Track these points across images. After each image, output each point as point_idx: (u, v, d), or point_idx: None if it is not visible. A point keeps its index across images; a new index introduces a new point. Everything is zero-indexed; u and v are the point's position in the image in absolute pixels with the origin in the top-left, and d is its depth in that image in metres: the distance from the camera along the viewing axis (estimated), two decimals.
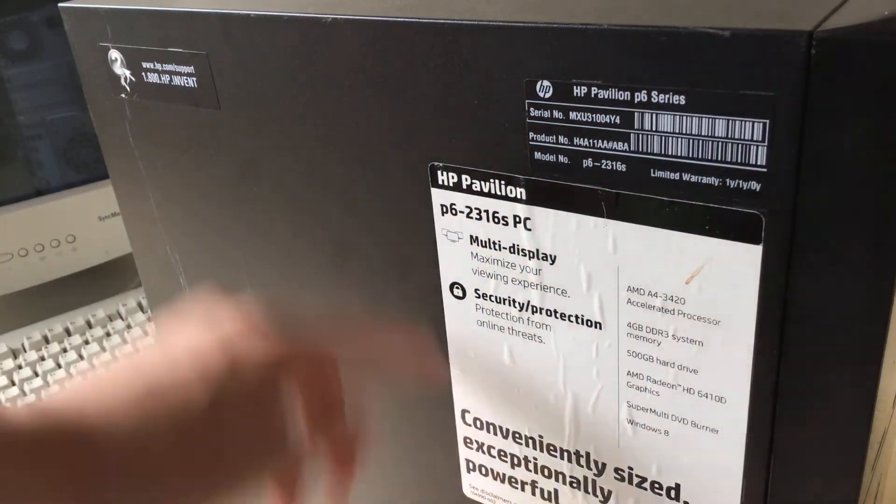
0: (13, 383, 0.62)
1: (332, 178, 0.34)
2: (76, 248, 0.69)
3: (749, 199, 0.24)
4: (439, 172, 0.30)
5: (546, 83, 0.26)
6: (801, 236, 0.24)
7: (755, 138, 0.23)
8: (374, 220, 0.33)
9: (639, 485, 0.31)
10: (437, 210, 0.31)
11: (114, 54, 0.38)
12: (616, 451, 0.31)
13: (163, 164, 0.40)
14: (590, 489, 0.33)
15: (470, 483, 0.37)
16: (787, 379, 0.26)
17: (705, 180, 0.24)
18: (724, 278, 0.25)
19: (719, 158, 0.24)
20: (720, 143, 0.24)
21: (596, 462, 0.32)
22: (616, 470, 0.32)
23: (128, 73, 0.38)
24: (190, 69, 0.35)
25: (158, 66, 0.36)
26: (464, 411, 0.35)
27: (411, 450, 0.38)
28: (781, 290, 0.25)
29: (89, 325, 0.67)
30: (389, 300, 0.35)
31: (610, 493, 0.32)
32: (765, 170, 0.23)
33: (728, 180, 0.24)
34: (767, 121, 0.23)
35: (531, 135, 0.27)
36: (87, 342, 0.65)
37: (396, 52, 0.29)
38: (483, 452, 0.36)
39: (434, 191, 0.31)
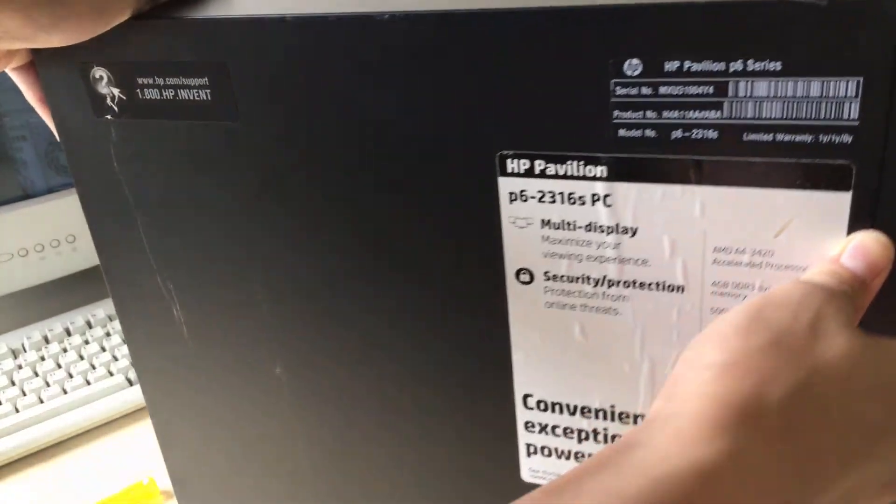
0: (13, 383, 0.63)
1: (374, 181, 0.33)
2: (76, 248, 0.71)
3: (840, 151, 0.26)
4: (509, 161, 0.30)
5: (635, 61, 0.27)
6: (887, 183, 0.26)
7: (848, 95, 0.25)
8: (426, 221, 0.33)
9: None
10: (504, 199, 0.31)
11: (98, 72, 0.34)
12: None
13: (157, 187, 0.37)
14: None
15: (529, 467, 0.37)
16: (872, 321, 0.29)
17: (799, 138, 0.27)
18: (813, 228, 0.28)
19: (813, 116, 0.26)
20: (815, 103, 0.26)
21: None
22: None
23: (116, 91, 0.35)
24: (203, 81, 0.33)
25: (159, 81, 0.34)
26: (526, 396, 0.36)
27: (466, 440, 0.38)
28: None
29: (89, 326, 0.68)
30: (441, 299, 0.34)
31: None
32: (857, 123, 0.26)
33: (821, 136, 0.26)
34: (861, 78, 0.25)
35: (616, 113, 0.28)
36: (87, 342, 0.66)
37: (462, 44, 0.29)
38: (546, 433, 0.36)
39: (502, 179, 0.31)
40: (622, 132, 0.28)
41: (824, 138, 0.26)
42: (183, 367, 0.42)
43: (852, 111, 0.26)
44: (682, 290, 0.31)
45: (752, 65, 0.26)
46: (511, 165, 0.31)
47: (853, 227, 0.27)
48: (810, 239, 0.28)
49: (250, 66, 0.32)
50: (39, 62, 0.35)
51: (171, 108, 0.34)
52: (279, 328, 0.39)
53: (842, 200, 0.27)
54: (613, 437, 0.35)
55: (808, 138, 0.26)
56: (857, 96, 0.25)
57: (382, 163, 0.32)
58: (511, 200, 0.31)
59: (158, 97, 0.34)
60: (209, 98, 0.33)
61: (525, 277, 0.33)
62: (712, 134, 0.27)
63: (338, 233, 0.35)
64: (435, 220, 0.33)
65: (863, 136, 0.26)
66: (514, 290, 0.33)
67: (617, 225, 0.30)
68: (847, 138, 0.26)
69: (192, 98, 0.34)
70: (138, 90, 0.34)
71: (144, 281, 0.40)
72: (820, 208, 0.27)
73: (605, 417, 0.35)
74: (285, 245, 0.36)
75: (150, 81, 0.34)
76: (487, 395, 0.36)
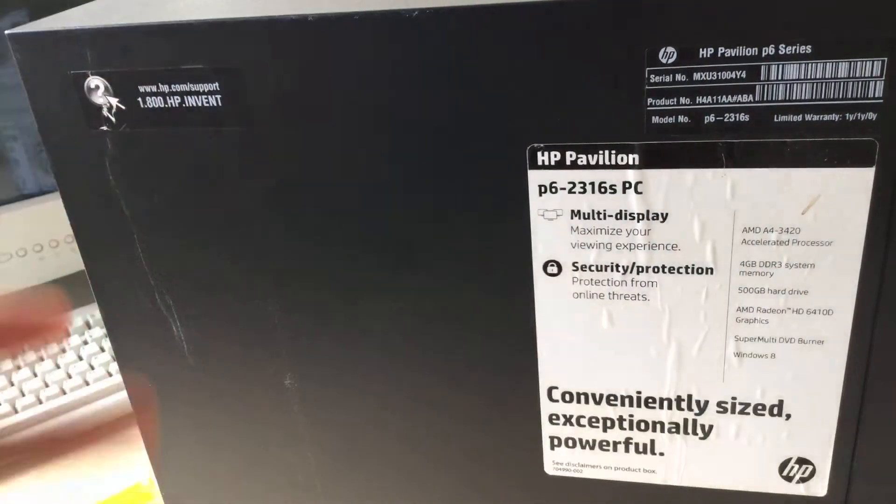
0: (12, 384, 0.62)
1: (398, 183, 0.32)
2: (75, 248, 0.70)
3: (865, 128, 0.28)
4: (539, 153, 0.31)
5: (670, 49, 0.28)
6: None
7: (874, 74, 0.27)
8: (452, 222, 0.33)
9: (742, 412, 0.34)
10: (533, 191, 0.31)
11: (94, 82, 0.33)
12: (720, 386, 0.34)
13: (158, 200, 0.35)
14: (689, 430, 0.35)
15: (553, 460, 0.38)
16: (890, 287, 0.30)
17: (826, 117, 0.28)
18: (838, 203, 0.29)
19: (841, 96, 0.27)
20: (842, 83, 0.27)
21: (698, 402, 0.34)
22: (719, 403, 0.34)
23: (114, 101, 0.33)
24: (213, 86, 0.32)
25: (164, 89, 0.32)
26: (551, 388, 0.36)
27: (488, 440, 0.38)
28: (889, 205, 0.29)
29: (88, 326, 0.68)
30: (466, 300, 0.34)
31: (711, 427, 0.35)
32: (881, 101, 0.27)
33: (847, 114, 0.28)
34: (886, 58, 0.26)
35: (649, 100, 0.29)
36: (86, 342, 0.66)
37: (492, 38, 0.29)
38: (571, 425, 0.36)
39: (532, 172, 0.31)
40: (655, 119, 0.29)
41: (850, 116, 0.28)
42: (181, 385, 0.40)
43: (877, 90, 0.27)
44: (711, 272, 0.31)
45: (783, 49, 0.27)
46: (541, 158, 0.31)
47: (875, 200, 0.29)
48: (835, 214, 0.29)
49: (266, 70, 0.31)
50: (23, 71, 0.33)
51: (177, 117, 0.33)
52: (291, 339, 0.37)
53: (866, 176, 0.28)
54: (639, 423, 0.36)
55: (835, 117, 0.28)
56: (881, 76, 0.27)
57: (406, 163, 0.32)
58: (541, 193, 0.31)
59: (162, 105, 0.33)
60: (220, 104, 0.32)
61: (553, 269, 0.33)
62: (744, 117, 0.28)
63: (357, 239, 0.34)
64: (461, 220, 0.33)
65: (886, 113, 0.27)
66: (542, 283, 0.33)
67: (647, 212, 0.31)
68: (872, 116, 0.27)
69: (200, 105, 0.32)
70: (140, 99, 0.33)
71: (140, 298, 0.38)
72: (845, 184, 0.29)
73: (631, 404, 0.35)
74: (300, 255, 0.35)
75: (154, 89, 0.32)
76: (511, 391, 0.36)
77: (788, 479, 0.35)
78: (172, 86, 0.32)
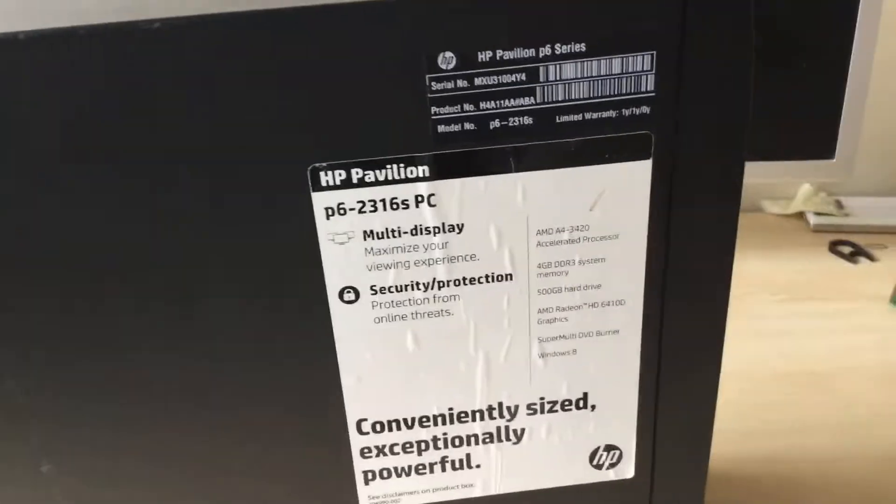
0: None
1: (171, 214, 0.28)
2: None
3: (641, 122, 0.28)
4: (322, 174, 0.28)
5: (449, 54, 0.27)
6: (680, 146, 0.29)
7: (645, 69, 0.27)
8: (231, 251, 0.29)
9: (550, 410, 0.34)
10: (320, 215, 0.29)
11: None
12: (528, 389, 0.34)
13: None
14: (503, 437, 0.35)
15: (368, 495, 0.35)
16: (674, 273, 0.31)
17: (605, 114, 0.28)
18: (621, 196, 0.30)
19: (616, 92, 0.28)
20: (616, 79, 0.28)
21: (509, 408, 0.34)
22: (528, 406, 0.34)
23: None
24: None
25: None
26: (360, 421, 0.33)
27: (296, 483, 0.35)
28: (667, 195, 0.30)
29: None
30: (257, 337, 0.31)
31: (523, 430, 0.35)
32: (653, 94, 0.28)
33: (623, 110, 0.28)
34: (654, 52, 0.27)
35: (433, 109, 0.27)
36: None
37: (260, 47, 0.26)
38: (384, 455, 0.34)
39: (316, 195, 0.28)
40: (441, 128, 0.28)
41: (626, 112, 0.28)
42: None
43: (649, 83, 0.28)
44: (511, 278, 0.31)
45: (559, 48, 0.27)
46: (325, 178, 0.28)
47: (655, 191, 0.30)
48: (619, 208, 0.30)
49: None
50: None
51: None
52: (40, 421, 0.32)
53: (644, 168, 0.29)
54: (454, 440, 0.34)
55: (612, 113, 0.28)
56: (652, 69, 0.27)
57: (176, 195, 0.28)
58: (328, 216, 0.29)
59: None
60: None
61: (350, 296, 0.31)
62: (528, 120, 0.28)
63: (117, 288, 0.29)
64: (241, 254, 0.29)
65: (659, 106, 0.28)
66: (339, 312, 0.31)
67: (443, 224, 0.29)
68: (646, 109, 0.28)
69: None
70: None
71: None
72: (626, 178, 0.29)
73: (444, 422, 0.34)
74: (39, 322, 0.29)
75: None
76: (317, 431, 0.33)
77: (598, 466, 0.36)
78: None
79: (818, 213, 0.87)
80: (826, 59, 0.72)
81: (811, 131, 0.75)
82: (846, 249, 0.81)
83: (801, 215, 0.89)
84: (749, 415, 0.61)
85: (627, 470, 0.36)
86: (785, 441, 0.58)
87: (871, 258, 0.80)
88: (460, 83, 0.27)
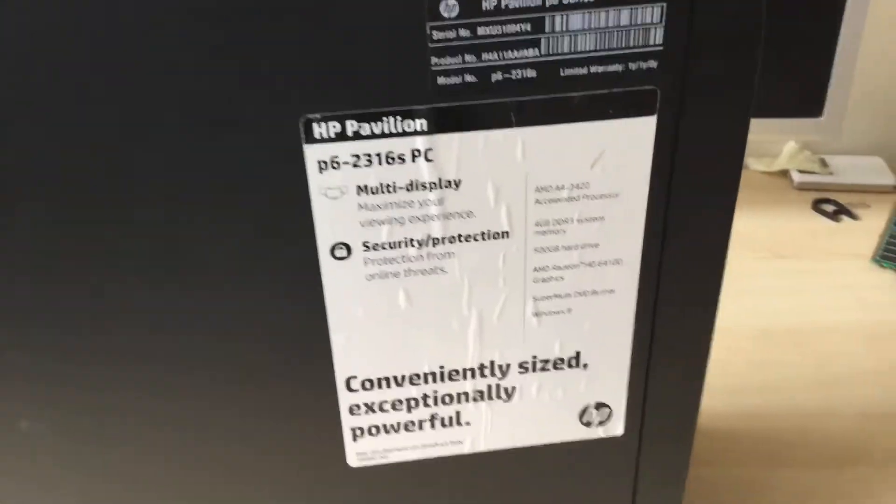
0: None
1: (157, 167, 0.27)
2: None
3: (647, 77, 0.27)
4: (316, 125, 0.27)
5: (451, 1, 0.25)
6: (687, 104, 0.28)
7: (654, 21, 0.26)
8: (221, 204, 0.28)
9: (542, 369, 0.34)
10: (312, 168, 0.28)
11: None
12: (520, 347, 0.33)
13: None
14: (493, 395, 0.34)
15: (356, 451, 0.35)
16: (672, 235, 0.31)
17: (611, 68, 0.27)
18: (623, 154, 0.29)
19: (623, 45, 0.27)
20: (624, 32, 0.26)
21: (501, 366, 0.33)
22: (520, 364, 0.34)
23: None
24: None
25: None
26: (349, 378, 0.33)
27: (285, 438, 0.34)
28: (670, 153, 0.29)
29: None
30: (247, 292, 0.30)
31: (514, 389, 0.34)
32: (661, 48, 0.27)
33: (630, 63, 0.27)
34: (664, 4, 0.26)
35: (434, 60, 0.26)
36: None
37: None
38: (373, 412, 0.34)
39: (309, 147, 0.27)
40: (441, 80, 0.27)
41: (633, 66, 0.27)
42: None
43: (657, 37, 0.27)
44: (508, 236, 0.30)
45: None
46: (319, 130, 0.27)
47: (658, 149, 0.29)
48: (621, 166, 0.29)
49: None
50: None
51: None
52: (19, 374, 0.31)
53: (648, 125, 0.28)
54: (444, 398, 0.34)
55: (618, 67, 0.27)
56: (661, 22, 0.26)
57: (160, 148, 0.27)
58: (321, 170, 0.28)
59: None
60: None
61: (342, 252, 0.30)
62: (531, 73, 0.27)
63: (101, 242, 0.28)
64: (231, 208, 0.28)
65: (666, 61, 0.27)
66: (330, 269, 0.30)
67: (440, 179, 0.28)
68: (653, 63, 0.27)
69: None
70: None
71: None
72: (629, 134, 0.29)
73: (434, 380, 0.33)
74: (16, 270, 0.28)
75: None
76: (306, 388, 0.33)
77: (588, 424, 0.36)
78: None
79: (802, 171, 0.87)
80: (819, 16, 0.71)
81: (800, 89, 0.75)
82: (829, 208, 0.81)
83: (785, 173, 0.89)
84: (730, 371, 0.62)
85: (617, 428, 0.36)
86: (764, 397, 0.59)
87: (853, 217, 0.80)
88: (462, 32, 0.26)
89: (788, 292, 0.70)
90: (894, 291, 0.70)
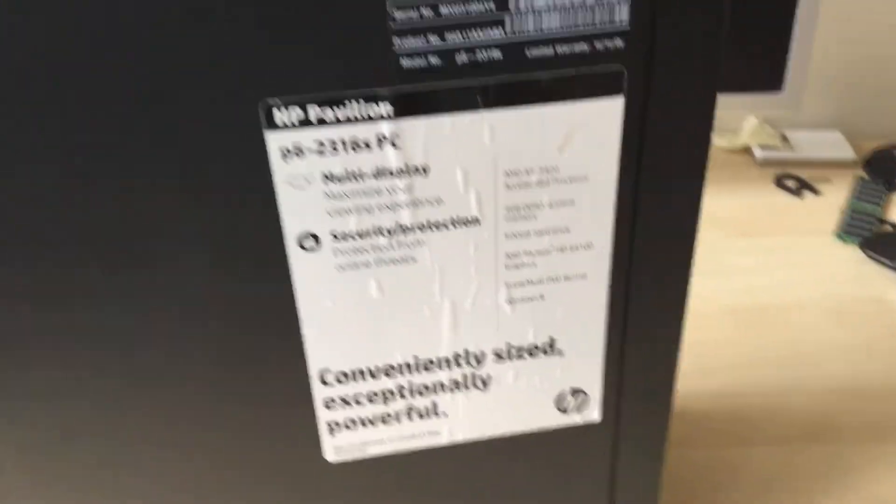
0: None
1: (114, 154, 0.26)
2: None
3: (613, 56, 0.27)
4: (276, 111, 0.26)
5: None
6: (654, 83, 0.28)
7: None
8: (183, 196, 0.27)
9: (518, 356, 0.33)
10: (275, 156, 0.27)
11: None
12: (495, 335, 0.33)
13: None
14: (469, 384, 0.34)
15: (334, 446, 0.34)
16: (643, 217, 0.30)
17: (577, 48, 0.27)
18: (591, 136, 0.28)
19: (588, 23, 0.26)
20: (590, 9, 0.26)
21: (475, 355, 0.33)
22: (495, 353, 0.33)
23: None
24: None
25: None
26: (323, 371, 0.32)
27: (259, 436, 0.33)
28: (638, 134, 0.29)
29: None
30: (213, 288, 0.29)
31: (490, 377, 0.34)
32: (627, 27, 0.26)
33: (596, 43, 0.27)
34: None
35: (396, 41, 0.25)
36: None
37: None
38: (349, 405, 0.33)
39: (270, 134, 0.26)
40: (405, 62, 0.26)
41: (599, 45, 0.27)
42: None
43: (622, 13, 0.26)
44: (478, 223, 0.30)
45: None
46: (280, 117, 0.26)
47: (626, 130, 0.29)
48: (590, 148, 0.29)
49: None
50: None
51: None
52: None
53: (616, 105, 0.28)
54: (420, 388, 0.33)
55: (585, 47, 0.27)
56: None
57: (116, 135, 0.26)
58: (285, 158, 0.27)
59: None
60: None
61: (310, 243, 0.29)
62: (497, 54, 0.26)
63: (58, 238, 0.27)
64: (193, 199, 0.27)
65: (633, 40, 0.27)
66: (299, 260, 0.29)
67: (407, 165, 0.28)
68: (619, 42, 0.27)
69: None
70: None
71: None
72: (597, 116, 0.28)
73: (409, 371, 0.33)
74: None
75: None
76: (280, 383, 0.32)
77: (564, 410, 0.35)
78: None
79: (763, 147, 0.88)
80: None
81: (760, 64, 0.75)
82: (792, 183, 0.82)
83: (747, 150, 0.89)
84: (699, 351, 0.62)
85: (593, 413, 0.36)
86: (734, 375, 0.60)
87: (815, 192, 0.81)
88: (425, 12, 0.25)
89: (754, 270, 0.71)
90: (858, 266, 0.71)
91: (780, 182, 0.83)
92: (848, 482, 0.51)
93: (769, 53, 0.73)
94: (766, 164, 0.86)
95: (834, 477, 0.51)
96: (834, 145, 0.88)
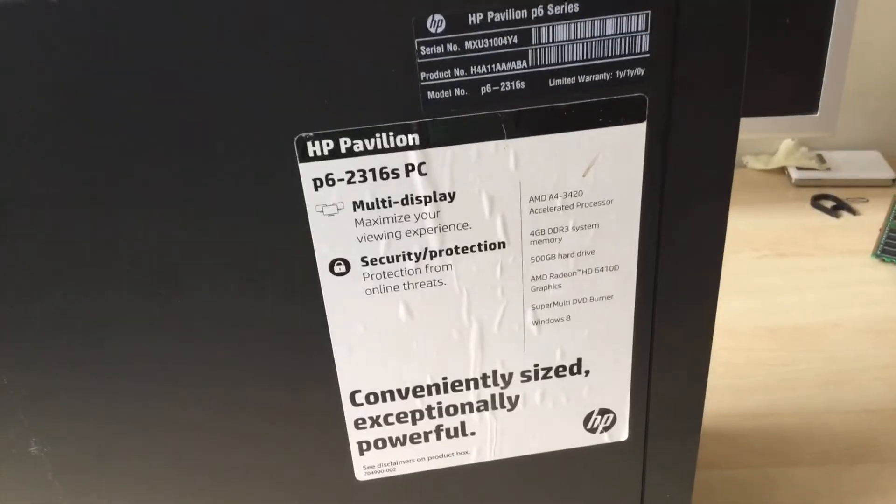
0: None
1: (153, 186, 0.27)
2: None
3: (634, 84, 0.28)
4: (309, 143, 0.27)
5: (438, 17, 0.26)
6: (675, 108, 0.28)
7: (639, 29, 0.27)
8: (218, 223, 0.28)
9: (545, 377, 0.34)
10: (308, 186, 0.28)
11: None
12: (522, 356, 0.33)
13: None
14: (497, 404, 0.34)
15: (364, 465, 0.35)
16: (667, 238, 0.31)
17: (598, 77, 0.27)
18: (615, 161, 0.29)
19: (610, 54, 0.27)
20: (611, 40, 0.27)
21: (503, 375, 0.34)
22: (523, 373, 0.34)
23: None
24: None
25: None
26: (353, 392, 0.33)
27: (291, 456, 0.34)
28: (661, 158, 0.29)
29: None
30: (246, 312, 0.30)
31: (518, 397, 0.34)
32: (648, 55, 0.27)
33: (617, 72, 0.27)
34: (649, 11, 0.26)
35: (423, 75, 0.26)
36: None
37: (243, 10, 0.25)
38: (378, 425, 0.34)
39: (304, 165, 0.28)
40: (431, 94, 0.27)
41: (620, 74, 0.27)
42: None
43: (644, 44, 0.27)
44: (504, 246, 0.30)
45: (552, 9, 0.26)
46: (313, 148, 0.27)
47: (648, 155, 0.29)
48: (613, 173, 0.29)
49: None
50: None
51: None
52: (26, 399, 0.31)
53: (638, 131, 0.29)
54: (448, 409, 0.34)
55: (606, 76, 0.27)
56: (646, 29, 0.27)
57: (157, 167, 0.27)
58: (317, 187, 0.28)
59: None
60: None
61: (340, 268, 0.30)
62: (520, 84, 0.27)
63: (98, 263, 0.29)
64: (229, 226, 0.28)
65: (654, 67, 0.27)
66: (330, 285, 0.30)
67: (434, 193, 0.29)
68: (640, 71, 0.27)
69: None
70: None
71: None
72: (620, 142, 0.29)
73: (438, 391, 0.34)
74: (19, 292, 0.29)
75: None
76: (311, 404, 0.33)
77: (593, 430, 0.36)
78: None
79: (800, 168, 0.87)
80: (809, 13, 0.71)
81: (794, 86, 0.75)
82: (828, 204, 0.82)
83: (782, 170, 0.89)
84: (735, 371, 0.62)
85: (621, 433, 0.36)
86: (771, 396, 0.59)
87: (852, 212, 0.80)
88: (450, 47, 0.26)
89: (791, 290, 0.70)
90: None
91: (816, 202, 0.82)
92: (888, 502, 0.50)
93: (802, 75, 0.73)
94: (802, 184, 0.86)
95: (874, 497, 0.50)
96: (872, 165, 0.87)
